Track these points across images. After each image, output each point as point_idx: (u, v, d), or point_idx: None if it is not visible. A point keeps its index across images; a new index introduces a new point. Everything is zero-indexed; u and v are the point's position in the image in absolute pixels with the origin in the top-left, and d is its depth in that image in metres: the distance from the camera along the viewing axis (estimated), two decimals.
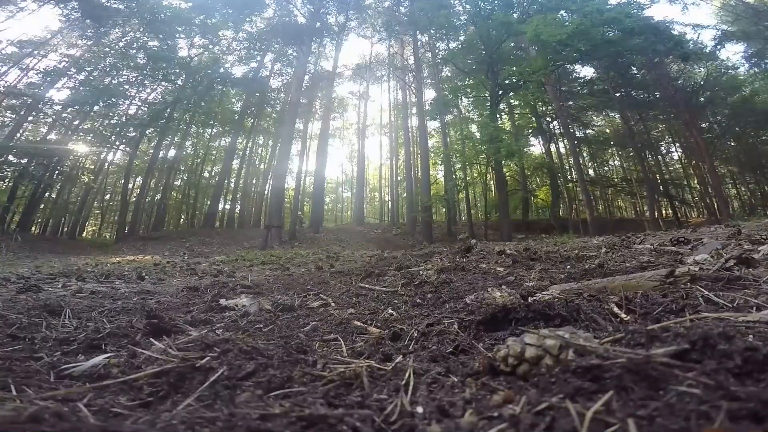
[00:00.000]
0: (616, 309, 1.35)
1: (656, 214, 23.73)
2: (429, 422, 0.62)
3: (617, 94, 25.29)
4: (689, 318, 1.17)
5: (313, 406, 0.67)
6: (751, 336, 0.89)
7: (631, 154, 27.41)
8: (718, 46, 23.96)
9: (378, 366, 0.91)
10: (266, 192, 29.26)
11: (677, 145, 29.80)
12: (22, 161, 19.13)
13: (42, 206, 22.20)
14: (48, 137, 21.83)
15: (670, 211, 26.83)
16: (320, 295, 2.26)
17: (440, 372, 0.86)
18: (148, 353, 1.02)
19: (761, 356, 0.64)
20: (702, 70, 25.90)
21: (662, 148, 31.47)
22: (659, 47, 19.48)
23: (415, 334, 1.28)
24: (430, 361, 1.00)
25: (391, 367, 0.89)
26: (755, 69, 24.56)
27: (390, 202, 35.54)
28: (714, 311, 1.23)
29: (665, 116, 26.85)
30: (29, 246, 13.88)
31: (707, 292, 1.45)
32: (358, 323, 1.53)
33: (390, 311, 1.70)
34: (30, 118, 20.76)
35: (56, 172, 21.44)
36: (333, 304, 2.00)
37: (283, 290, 2.65)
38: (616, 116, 28.95)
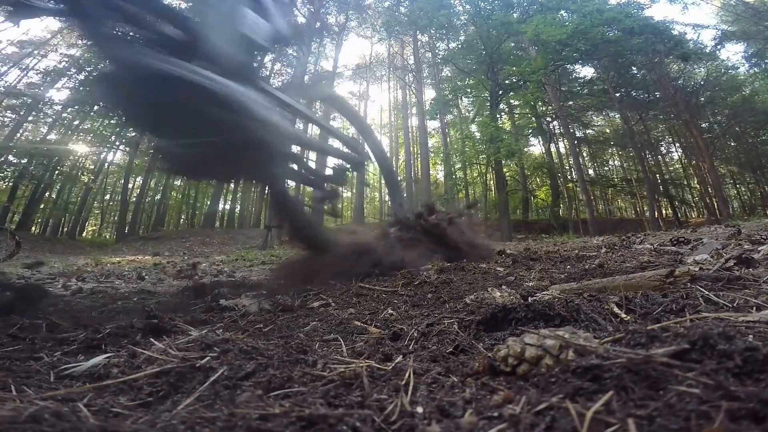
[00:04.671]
0: (616, 309, 1.35)
1: (656, 214, 23.74)
2: (429, 422, 0.62)
3: (617, 94, 25.30)
4: (689, 318, 1.17)
5: (313, 406, 0.67)
6: (751, 336, 0.89)
7: (631, 154, 27.41)
8: (718, 46, 23.97)
9: (378, 366, 0.91)
10: (266, 192, 29.27)
11: (677, 145, 29.82)
12: (22, 161, 19.15)
13: (42, 206, 22.20)
14: (48, 137, 21.85)
15: (670, 211, 26.84)
16: (320, 295, 2.26)
17: (440, 372, 0.86)
18: (148, 353, 1.02)
19: (761, 356, 0.64)
20: (702, 70, 25.90)
21: (662, 148, 31.48)
22: (659, 47, 19.50)
23: (415, 334, 1.28)
24: (430, 361, 0.99)
25: (391, 367, 0.89)
26: (755, 69, 24.57)
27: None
28: (714, 311, 1.23)
29: (665, 116, 26.87)
30: (29, 246, 13.88)
31: (707, 292, 1.45)
32: (358, 323, 1.53)
33: (390, 311, 1.70)
34: (30, 118, 20.77)
35: (56, 172, 21.44)
36: (333, 304, 2.00)
37: (283, 290, 2.65)
38: (616, 116, 28.96)
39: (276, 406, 0.66)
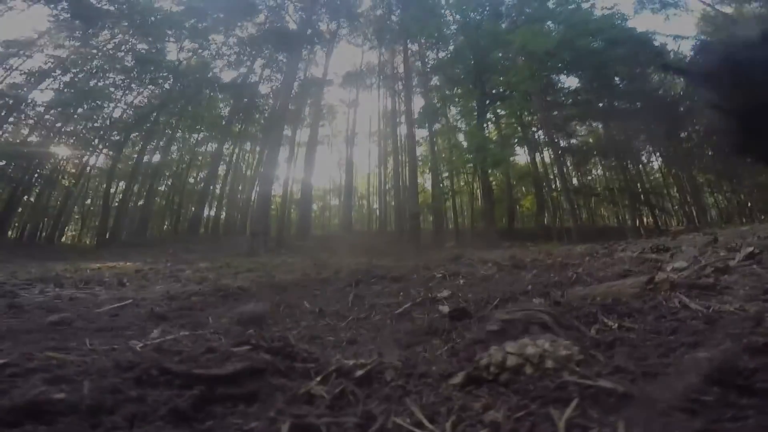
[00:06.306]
0: (600, 315, 1.38)
1: (637, 222, 24.25)
2: (416, 428, 0.63)
3: (600, 104, 25.87)
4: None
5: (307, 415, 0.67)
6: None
7: (614, 163, 27.99)
8: (698, 56, 24.72)
9: None
10: (252, 199, 29.00)
11: (657, 154, 30.55)
12: (1, 163, 18.62)
13: (20, 210, 21.57)
14: (29, 139, 21.28)
15: (651, 220, 27.44)
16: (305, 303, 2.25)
17: (427, 380, 0.87)
18: None
19: None
20: (682, 80, 26.61)
21: (643, 157, 32.21)
22: (641, 57, 20.11)
23: None
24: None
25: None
26: None
27: (378, 210, 35.52)
28: (691, 318, 1.28)
29: (646, 126, 27.54)
30: (6, 250, 13.42)
31: (685, 299, 1.50)
32: None
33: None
34: (11, 119, 20.22)
35: (35, 174, 20.89)
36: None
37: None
38: (599, 126, 29.59)
39: (272, 411, 0.66)
